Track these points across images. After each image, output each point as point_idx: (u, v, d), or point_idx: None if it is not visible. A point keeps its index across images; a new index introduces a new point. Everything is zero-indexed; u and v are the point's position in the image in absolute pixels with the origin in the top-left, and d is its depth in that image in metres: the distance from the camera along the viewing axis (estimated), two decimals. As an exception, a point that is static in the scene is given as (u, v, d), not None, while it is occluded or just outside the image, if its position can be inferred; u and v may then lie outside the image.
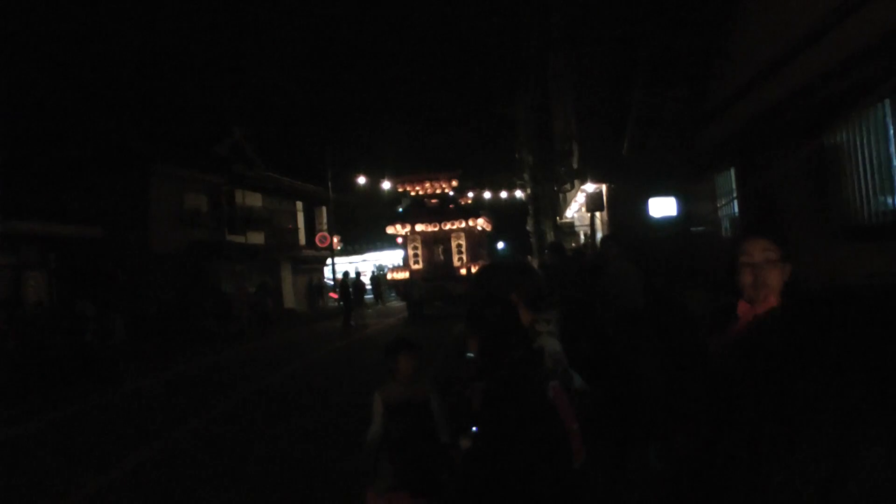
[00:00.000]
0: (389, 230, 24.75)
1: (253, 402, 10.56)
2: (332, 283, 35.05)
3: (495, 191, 35.96)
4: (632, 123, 10.82)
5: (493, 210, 31.55)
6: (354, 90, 77.33)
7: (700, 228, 11.32)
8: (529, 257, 27.09)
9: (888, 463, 0.37)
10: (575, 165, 16.07)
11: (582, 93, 13.89)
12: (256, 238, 30.13)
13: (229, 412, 9.80)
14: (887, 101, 5.67)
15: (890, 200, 5.85)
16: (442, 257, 24.22)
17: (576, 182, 16.56)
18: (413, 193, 25.14)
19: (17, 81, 21.54)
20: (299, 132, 47.18)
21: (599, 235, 15.05)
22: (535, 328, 3.35)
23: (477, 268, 20.78)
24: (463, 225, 23.93)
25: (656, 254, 10.47)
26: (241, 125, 30.07)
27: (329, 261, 35.28)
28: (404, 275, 24.15)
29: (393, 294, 33.10)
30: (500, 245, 50.33)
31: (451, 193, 25.00)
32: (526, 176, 32.64)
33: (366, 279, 34.06)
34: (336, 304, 30.26)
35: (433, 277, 23.52)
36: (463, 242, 24.10)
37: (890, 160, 5.75)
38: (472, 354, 2.89)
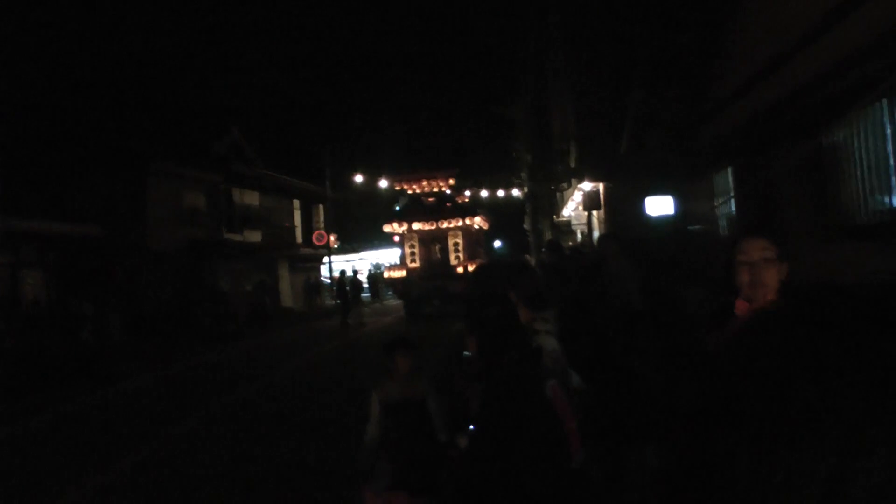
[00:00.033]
0: (387, 228, 24.74)
1: (251, 401, 10.55)
2: (329, 281, 35.03)
3: (493, 189, 35.95)
4: (630, 122, 10.83)
5: (490, 208, 31.53)
6: (352, 89, 77.25)
7: (697, 227, 11.33)
8: (527, 256, 27.09)
9: (890, 464, 0.37)
10: (572, 164, 16.09)
11: (580, 92, 13.91)
12: (254, 236, 30.11)
13: (227, 411, 9.79)
14: (885, 101, 5.68)
15: (887, 199, 5.86)
16: (439, 256, 24.21)
17: (573, 181, 16.57)
18: (410, 192, 25.12)
19: (15, 80, 21.49)
20: (297, 131, 47.17)
21: (596, 234, 15.05)
22: (533, 327, 3.35)
23: (474, 266, 20.76)
24: (460, 223, 23.92)
25: (654, 253, 10.48)
26: (239, 124, 30.04)
27: (326, 259, 35.28)
28: (401, 273, 24.13)
29: (390, 292, 33.08)
30: (498, 244, 50.36)
31: (449, 192, 24.98)
32: (523, 174, 32.63)
33: (363, 277, 34.07)
34: (333, 302, 30.25)
35: (430, 276, 23.50)
36: (460, 241, 24.08)
37: (887, 159, 5.76)
38: (470, 353, 2.89)
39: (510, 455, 2.40)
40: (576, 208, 18.30)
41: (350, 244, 48.34)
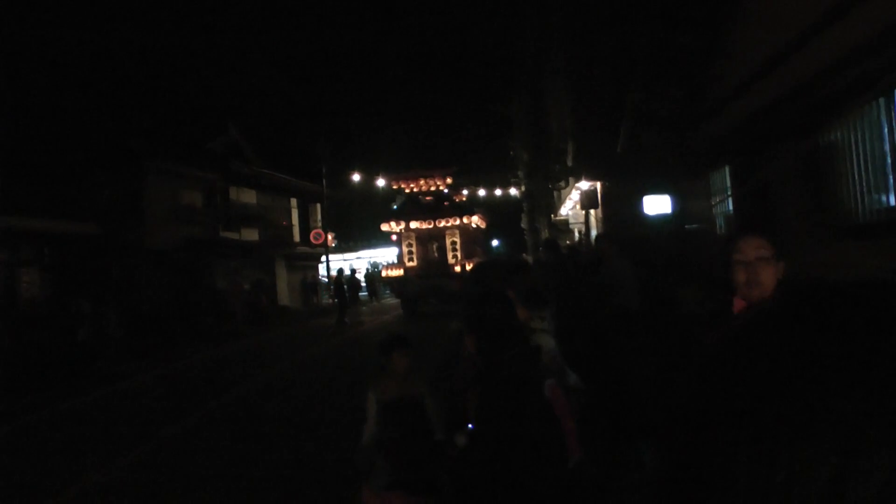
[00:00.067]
0: (384, 227, 24.72)
1: (248, 399, 10.54)
2: (326, 280, 35.03)
3: (490, 188, 36.00)
4: (628, 121, 10.84)
5: (487, 207, 31.54)
6: (350, 87, 77.23)
7: (695, 226, 11.35)
8: (524, 255, 27.11)
9: (891, 464, 0.37)
10: (570, 163, 16.09)
11: (578, 90, 13.91)
12: (251, 235, 30.10)
13: (225, 410, 9.78)
14: (882, 100, 5.69)
15: (885, 198, 5.87)
16: (436, 254, 24.20)
17: (571, 179, 16.58)
18: (408, 190, 25.10)
19: (13, 78, 21.44)
20: (295, 130, 47.12)
21: (594, 233, 15.07)
22: (531, 325, 3.35)
23: (472, 265, 20.77)
24: (458, 222, 23.90)
25: (651, 252, 10.49)
26: (236, 122, 30.02)
27: (324, 258, 35.26)
28: (399, 272, 24.11)
29: (387, 291, 33.07)
30: (495, 242, 50.36)
31: (446, 191, 24.97)
32: (521, 173, 32.67)
33: (360, 276, 34.04)
34: (331, 301, 30.24)
35: (428, 275, 23.48)
36: (458, 239, 24.08)
37: (884, 158, 5.77)
38: (469, 352, 2.89)
39: (509, 454, 2.40)
40: (573, 207, 18.32)
41: (347, 243, 48.33)
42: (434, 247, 24.28)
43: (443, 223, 23.79)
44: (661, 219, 11.56)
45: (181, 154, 24.83)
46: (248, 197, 30.53)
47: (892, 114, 5.61)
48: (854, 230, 6.33)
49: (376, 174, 30.76)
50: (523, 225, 35.04)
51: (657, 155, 10.94)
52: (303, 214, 37.31)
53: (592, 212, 15.13)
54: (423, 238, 24.23)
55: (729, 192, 9.72)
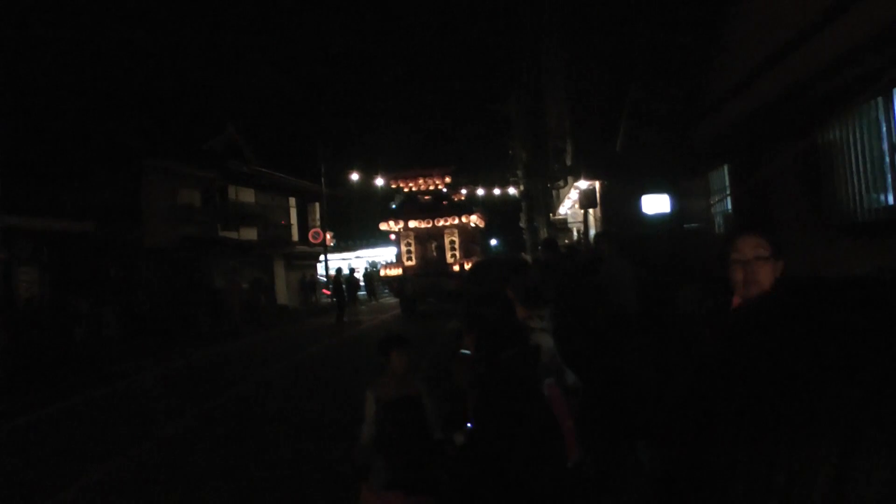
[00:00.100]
0: (383, 226, 24.71)
1: (247, 398, 10.53)
2: (324, 279, 35.03)
3: (489, 187, 36.01)
4: (626, 120, 10.84)
5: (486, 206, 31.53)
6: (348, 87, 77.23)
7: (693, 225, 11.35)
8: (523, 254, 27.11)
9: (891, 465, 0.37)
10: (568, 162, 16.09)
11: (577, 89, 13.91)
12: (249, 234, 30.07)
13: (223, 409, 9.77)
14: (880, 99, 5.69)
15: (883, 197, 5.87)
16: (435, 254, 24.18)
17: (569, 179, 16.58)
18: (406, 190, 25.08)
19: (11, 78, 21.41)
20: (293, 128, 47.11)
21: (593, 232, 15.07)
22: (529, 324, 3.35)
23: (471, 264, 20.78)
24: (456, 221, 23.89)
25: (650, 251, 10.49)
26: (235, 121, 30.00)
27: (322, 257, 35.26)
28: (397, 271, 24.09)
29: (386, 290, 33.08)
30: (494, 242, 50.37)
31: (445, 190, 24.95)
32: (519, 172, 32.69)
33: (359, 275, 34.03)
34: (329, 300, 30.25)
35: (426, 274, 23.46)
36: (456, 239, 24.06)
37: (883, 157, 5.78)
38: (468, 351, 2.89)
39: (508, 453, 2.40)
40: (572, 206, 18.32)
41: (346, 242, 48.34)
42: (433, 246, 24.27)
43: (441, 222, 23.77)
44: (660, 218, 11.55)
45: (180, 153, 24.81)
46: (247, 196, 30.51)
47: (891, 113, 5.61)
48: (853, 229, 6.33)
49: (375, 173, 30.78)
50: (522, 224, 35.06)
51: (656, 154, 10.94)
52: (301, 214, 37.29)
53: (591, 211, 15.13)
54: (421, 237, 24.21)
55: (728, 192, 9.72)
